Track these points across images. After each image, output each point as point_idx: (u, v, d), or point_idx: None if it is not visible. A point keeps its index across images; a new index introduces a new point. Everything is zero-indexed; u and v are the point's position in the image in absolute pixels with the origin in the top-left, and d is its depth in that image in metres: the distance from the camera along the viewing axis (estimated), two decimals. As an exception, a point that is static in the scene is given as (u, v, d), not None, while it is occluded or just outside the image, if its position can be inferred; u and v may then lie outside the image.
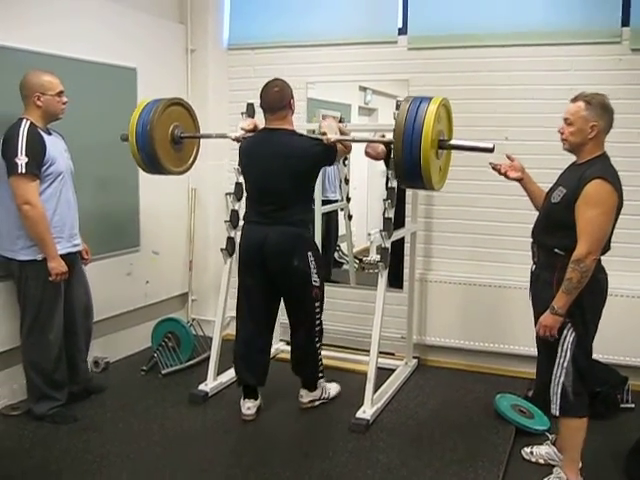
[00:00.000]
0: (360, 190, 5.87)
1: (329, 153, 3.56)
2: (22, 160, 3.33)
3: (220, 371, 4.11)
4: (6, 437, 3.48)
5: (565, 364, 2.90)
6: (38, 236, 3.43)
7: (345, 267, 5.70)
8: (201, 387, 4.02)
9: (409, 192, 4.50)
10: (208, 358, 4.22)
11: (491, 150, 3.10)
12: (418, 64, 4.57)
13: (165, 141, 3.86)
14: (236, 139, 3.79)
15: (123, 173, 4.29)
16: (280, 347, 4.81)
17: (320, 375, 3.84)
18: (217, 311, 4.20)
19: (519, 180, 3.18)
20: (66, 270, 3.55)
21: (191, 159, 4.12)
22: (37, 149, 3.42)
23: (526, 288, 3.13)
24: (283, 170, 3.49)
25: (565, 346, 2.89)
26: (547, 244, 2.95)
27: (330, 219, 5.52)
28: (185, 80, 5.11)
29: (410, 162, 3.02)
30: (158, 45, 4.81)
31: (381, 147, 3.71)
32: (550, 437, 3.40)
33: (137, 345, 4.81)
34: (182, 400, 3.96)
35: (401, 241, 4.41)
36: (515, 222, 4.21)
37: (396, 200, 3.81)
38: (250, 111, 4.11)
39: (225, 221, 4.14)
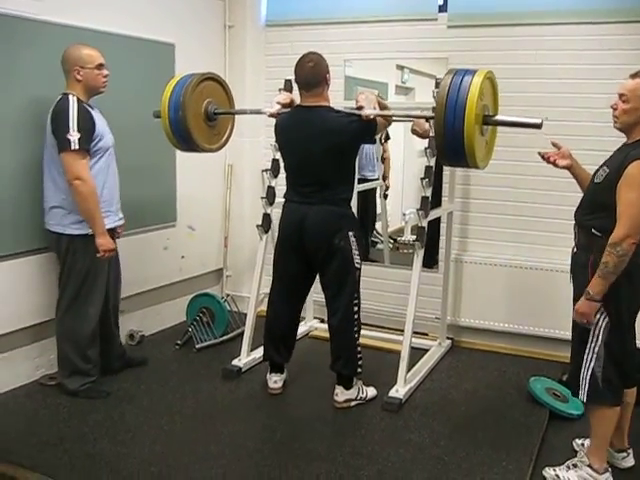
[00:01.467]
0: (396, 169, 5.83)
1: (369, 129, 3.44)
2: (74, 136, 3.34)
3: (254, 347, 4.14)
4: (44, 406, 3.54)
5: (596, 349, 2.83)
6: (88, 212, 3.47)
7: (379, 246, 5.69)
8: (234, 362, 4.06)
9: (446, 171, 4.47)
10: (242, 334, 4.26)
11: (539, 126, 2.94)
12: (458, 42, 4.50)
13: (198, 117, 3.75)
14: (272, 115, 3.65)
15: (160, 149, 4.29)
16: (314, 324, 4.84)
17: (359, 370, 3.62)
18: (252, 287, 4.22)
19: (568, 167, 3.06)
20: (114, 247, 3.60)
21: (226, 136, 4.03)
22: (88, 125, 3.44)
23: (563, 271, 3.08)
24: (321, 149, 3.41)
25: (597, 331, 2.82)
26: (586, 225, 2.88)
27: (367, 198, 5.46)
28: (223, 56, 5.11)
29: (452, 138, 2.87)
30: (196, 21, 4.81)
31: (427, 124, 3.62)
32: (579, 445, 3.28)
33: (172, 319, 4.86)
34: (215, 375, 4.00)
35: (436, 221, 4.37)
36: (554, 204, 4.17)
37: (433, 179, 3.78)
38: (288, 87, 4.08)
39: (261, 197, 4.15)
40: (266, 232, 4.14)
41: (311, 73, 3.40)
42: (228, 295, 5.08)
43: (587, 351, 2.86)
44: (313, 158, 3.45)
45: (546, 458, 3.16)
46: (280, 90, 4.05)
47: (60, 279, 3.67)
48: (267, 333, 3.79)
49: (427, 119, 3.49)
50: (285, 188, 3.65)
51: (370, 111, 3.38)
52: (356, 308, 3.59)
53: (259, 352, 4.01)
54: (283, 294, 3.72)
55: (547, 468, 3.02)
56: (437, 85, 3.70)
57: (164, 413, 3.51)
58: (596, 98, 4.01)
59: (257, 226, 4.16)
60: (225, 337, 4.60)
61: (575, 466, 2.97)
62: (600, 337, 2.82)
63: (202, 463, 3.02)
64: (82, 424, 3.35)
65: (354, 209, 3.87)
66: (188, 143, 3.77)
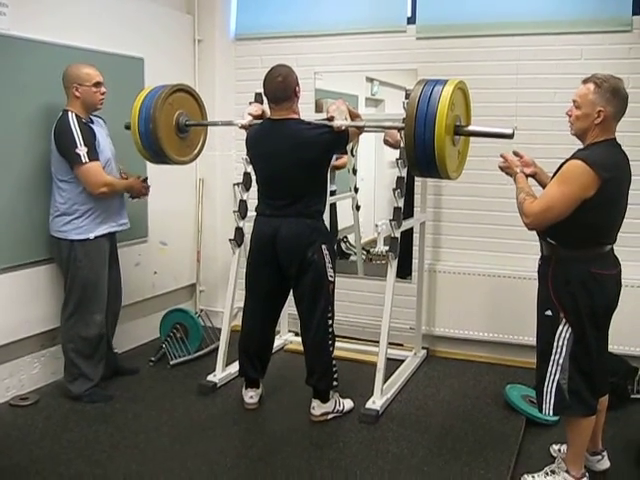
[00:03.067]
0: (367, 181, 5.84)
1: (340, 140, 3.43)
2: (83, 150, 3.55)
3: (229, 362, 4.10)
4: (15, 427, 3.48)
5: (561, 360, 2.83)
6: (119, 193, 3.84)
7: (352, 258, 5.69)
8: (210, 378, 4.02)
9: (418, 182, 4.49)
10: (216, 349, 4.22)
11: (511, 136, 2.95)
12: (427, 53, 4.54)
13: (169, 129, 3.72)
14: (243, 127, 3.65)
15: (131, 164, 4.24)
16: (289, 338, 4.82)
17: (334, 384, 3.60)
18: (226, 302, 4.19)
19: (533, 175, 3.06)
20: (143, 187, 3.97)
21: (198, 147, 4.01)
22: (90, 138, 3.63)
23: (536, 278, 3.09)
24: (293, 162, 3.39)
25: (561, 342, 2.82)
26: (542, 233, 2.91)
27: (330, 210, 5.44)
28: (192, 70, 5.09)
29: (423, 149, 2.86)
30: (165, 35, 4.79)
31: (399, 135, 3.61)
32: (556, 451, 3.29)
33: (145, 336, 4.81)
34: (191, 391, 3.96)
35: (409, 231, 4.39)
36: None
37: (405, 190, 3.79)
38: (258, 100, 4.07)
39: (233, 211, 4.13)
40: (239, 246, 4.12)
41: (280, 88, 3.37)
42: (202, 310, 5.04)
43: (551, 363, 2.85)
44: (285, 171, 3.43)
45: (524, 465, 3.17)
46: (251, 103, 4.05)
47: (65, 286, 3.79)
48: (242, 348, 3.75)
49: (399, 129, 3.50)
50: (257, 201, 3.64)
51: (341, 122, 3.36)
52: (330, 322, 3.57)
53: (234, 367, 3.98)
54: (257, 309, 3.69)
55: (525, 475, 3.03)
56: (407, 96, 3.70)
57: (139, 431, 3.46)
58: (564, 107, 4.05)
59: (230, 240, 4.14)
60: (199, 353, 4.56)
61: (553, 472, 2.99)
62: (564, 349, 2.82)
63: (179, 481, 2.98)
64: (55, 444, 3.30)
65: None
66: (159, 156, 3.75)
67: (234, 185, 4.22)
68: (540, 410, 2.95)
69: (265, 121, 3.59)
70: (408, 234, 4.41)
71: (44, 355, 4.01)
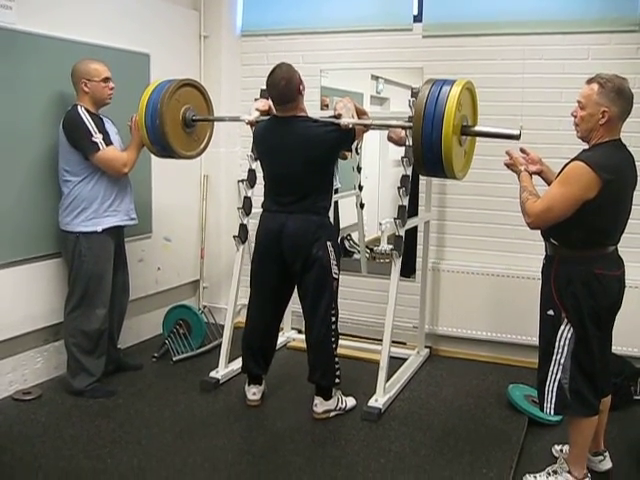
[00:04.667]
0: (372, 179, 5.83)
1: (347, 137, 3.44)
2: (98, 137, 3.61)
3: (231, 359, 4.11)
4: (18, 422, 3.48)
5: (562, 360, 2.82)
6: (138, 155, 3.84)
7: (356, 256, 5.68)
8: (212, 374, 4.02)
9: (422, 181, 4.48)
10: (219, 345, 4.22)
11: (517, 137, 2.97)
12: (433, 52, 4.54)
13: (176, 124, 3.76)
14: (250, 123, 3.67)
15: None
16: (292, 335, 4.82)
17: (337, 381, 3.60)
18: (229, 298, 4.19)
19: (539, 173, 3.05)
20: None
21: (204, 142, 4.05)
22: (102, 127, 3.68)
23: (539, 278, 3.08)
24: (300, 158, 3.40)
25: (562, 342, 2.82)
26: (545, 233, 2.91)
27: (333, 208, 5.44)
28: (198, 66, 5.09)
29: (430, 149, 2.90)
30: (171, 31, 4.79)
31: (404, 132, 3.61)
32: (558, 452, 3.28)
33: (148, 332, 4.81)
34: (193, 387, 3.96)
35: (413, 230, 4.38)
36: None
37: (410, 188, 3.78)
38: (264, 97, 4.06)
39: (238, 208, 4.13)
40: (243, 243, 4.12)
41: (284, 90, 3.37)
42: (205, 307, 5.05)
43: (553, 363, 2.85)
44: (292, 168, 3.44)
45: (526, 465, 3.17)
46: (256, 99, 4.04)
47: (69, 280, 3.80)
48: (245, 345, 3.75)
49: (404, 128, 3.50)
50: (262, 198, 3.64)
51: (348, 120, 3.38)
52: (334, 319, 3.56)
53: (237, 364, 3.99)
54: (261, 305, 3.69)
55: (527, 475, 3.02)
56: (413, 94, 3.72)
57: (141, 427, 3.46)
58: (571, 107, 4.04)
59: (234, 237, 4.14)
60: (202, 349, 4.56)
61: (555, 472, 2.98)
62: (566, 349, 2.82)
63: (180, 477, 2.99)
64: (57, 439, 3.30)
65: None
66: (166, 150, 3.78)
67: (238, 182, 4.23)
68: (541, 409, 2.95)
69: (272, 117, 3.59)
70: (412, 233, 4.40)
71: (47, 350, 4.01)
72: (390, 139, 3.87)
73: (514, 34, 4.32)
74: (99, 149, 3.61)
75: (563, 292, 2.81)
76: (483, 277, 4.45)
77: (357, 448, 3.28)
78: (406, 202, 3.77)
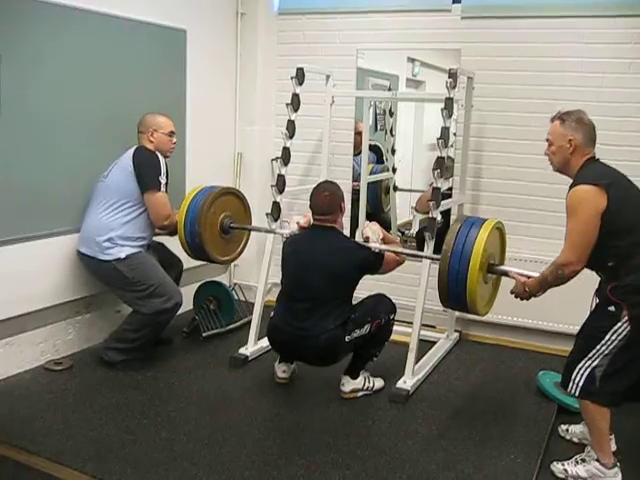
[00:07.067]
0: (405, 162, 5.79)
1: (374, 261, 3.53)
2: (163, 180, 3.77)
3: (261, 336, 4.12)
4: (49, 391, 3.53)
5: (606, 352, 2.79)
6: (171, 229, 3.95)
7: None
8: (241, 351, 4.04)
9: (457, 164, 4.44)
10: (248, 323, 4.25)
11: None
12: (471, 33, 4.47)
13: (214, 231, 3.95)
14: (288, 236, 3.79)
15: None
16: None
17: (374, 359, 3.68)
18: (260, 277, 4.20)
19: (527, 276, 3.13)
20: None
21: (241, 246, 4.24)
22: (168, 177, 3.82)
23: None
24: (323, 267, 3.42)
25: (614, 337, 2.77)
26: (592, 269, 2.93)
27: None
28: (234, 44, 5.07)
29: (455, 286, 3.13)
30: (209, 7, 4.78)
31: (429, 204, 3.70)
32: None
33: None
34: (222, 363, 4.00)
35: (446, 213, 4.34)
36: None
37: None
38: (299, 76, 4.06)
39: (271, 185, 4.12)
40: (275, 220, 4.12)
41: (327, 203, 3.50)
42: (236, 284, 5.06)
43: (594, 351, 2.82)
44: (312, 273, 3.45)
45: (554, 452, 3.14)
46: (292, 79, 4.03)
47: (120, 293, 3.92)
48: (271, 341, 3.71)
49: (433, 260, 3.62)
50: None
51: (377, 245, 3.54)
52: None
53: (266, 341, 3.99)
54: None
55: (555, 462, 3.00)
56: (450, 75, 3.68)
57: (170, 400, 3.50)
58: (608, 92, 3.98)
59: (266, 214, 4.14)
60: (232, 326, 4.58)
61: (583, 461, 2.95)
62: (615, 343, 2.78)
63: (207, 450, 3.01)
64: (88, 409, 3.34)
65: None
66: (200, 253, 3.98)
67: (272, 160, 4.22)
68: (564, 387, 2.94)
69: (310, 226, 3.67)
70: (445, 216, 4.36)
71: (79, 322, 4.06)
72: (417, 211, 3.94)
73: (554, 17, 4.23)
74: (158, 189, 3.73)
75: (629, 296, 2.77)
76: (515, 262, 4.34)
77: (384, 429, 3.28)
78: (440, 184, 3.73)
